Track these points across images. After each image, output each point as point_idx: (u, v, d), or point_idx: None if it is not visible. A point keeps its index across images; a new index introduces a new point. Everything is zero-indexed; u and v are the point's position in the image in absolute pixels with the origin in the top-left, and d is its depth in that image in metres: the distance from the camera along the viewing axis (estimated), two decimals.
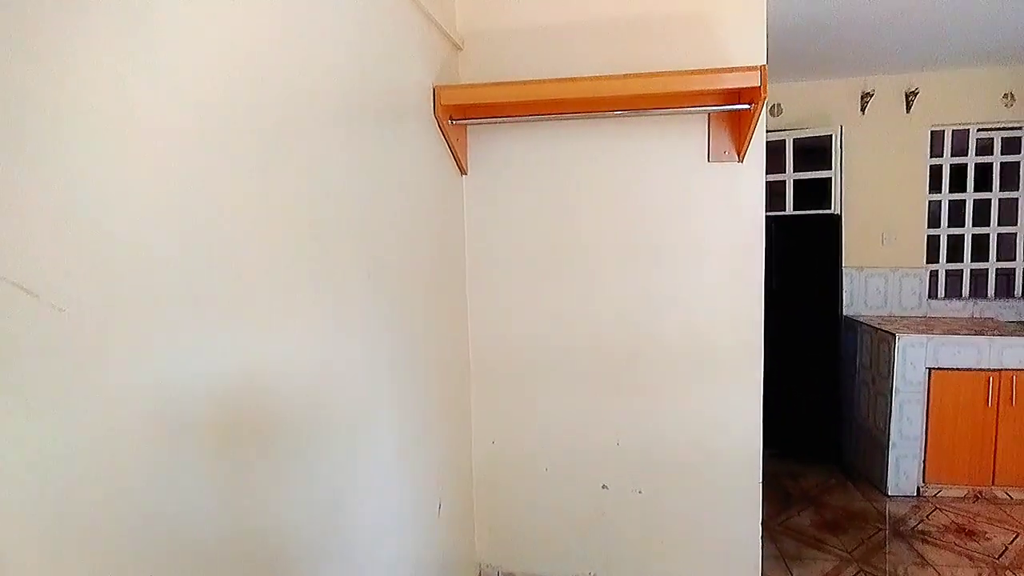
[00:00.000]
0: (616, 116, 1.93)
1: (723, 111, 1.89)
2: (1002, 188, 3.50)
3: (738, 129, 1.91)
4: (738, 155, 1.93)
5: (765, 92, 1.64)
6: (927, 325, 3.18)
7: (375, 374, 1.41)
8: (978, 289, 3.57)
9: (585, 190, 2.03)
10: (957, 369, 2.91)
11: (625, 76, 1.72)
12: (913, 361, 2.93)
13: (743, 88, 1.74)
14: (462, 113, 1.92)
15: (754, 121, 1.76)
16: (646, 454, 2.08)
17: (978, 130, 3.47)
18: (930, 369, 2.93)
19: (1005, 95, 3.38)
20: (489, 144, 2.07)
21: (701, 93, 1.83)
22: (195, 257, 0.85)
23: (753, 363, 2.01)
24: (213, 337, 0.88)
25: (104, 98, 0.71)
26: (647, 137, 1.98)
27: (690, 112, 1.90)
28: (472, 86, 1.78)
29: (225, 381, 0.91)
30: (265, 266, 1.01)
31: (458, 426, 2.06)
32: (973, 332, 2.96)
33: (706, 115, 1.94)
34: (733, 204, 1.96)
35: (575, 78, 1.76)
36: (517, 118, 1.93)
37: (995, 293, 3.54)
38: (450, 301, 1.97)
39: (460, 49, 2.03)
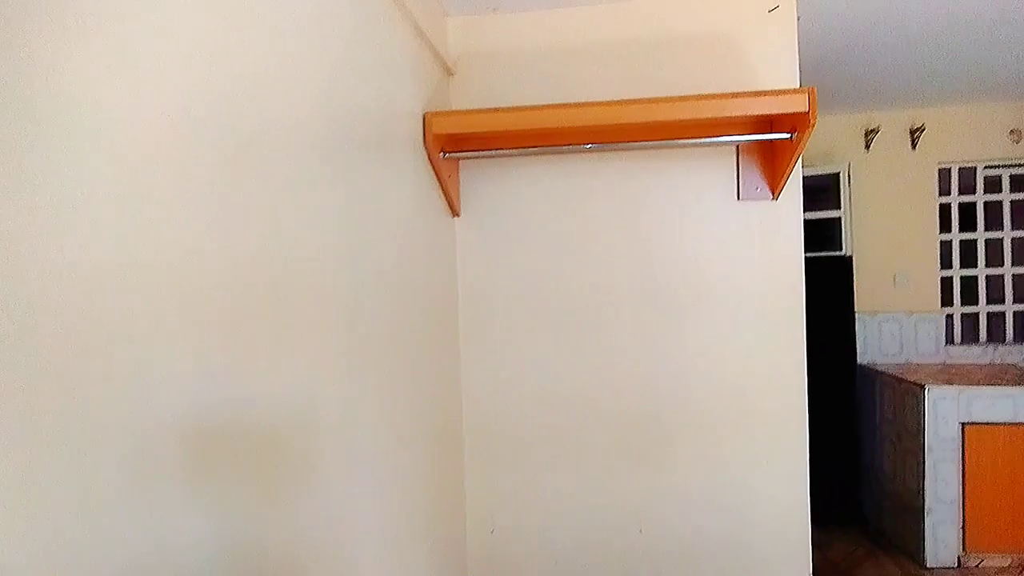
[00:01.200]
0: (632, 149, 1.68)
1: (757, 141, 1.65)
2: (1013, 227, 3.34)
3: (771, 162, 1.67)
4: (772, 192, 1.68)
5: (814, 118, 1.40)
6: (951, 374, 2.94)
7: (351, 448, 1.08)
8: (996, 333, 3.37)
9: (596, 234, 1.76)
10: (992, 424, 2.66)
11: (646, 101, 1.47)
12: (945, 416, 2.68)
13: (781, 115, 1.51)
14: (455, 145, 1.65)
15: (797, 153, 1.52)
16: (674, 542, 1.76)
17: (985, 167, 3.33)
18: (963, 424, 2.68)
19: (1012, 131, 3.25)
20: (485, 182, 1.79)
21: (732, 121, 1.60)
22: (148, 293, 0.55)
23: (797, 430, 1.72)
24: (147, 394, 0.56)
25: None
26: (667, 173, 1.73)
27: (718, 143, 1.66)
28: (467, 113, 1.52)
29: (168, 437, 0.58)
30: (213, 313, 0.70)
31: (451, 513, 1.71)
32: (1006, 382, 2.73)
33: (735, 147, 1.70)
34: (768, 247, 1.70)
35: (585, 104, 1.51)
36: (517, 151, 1.66)
37: (1014, 337, 3.34)
38: (441, 362, 1.66)
39: (452, 74, 1.78)
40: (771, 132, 1.63)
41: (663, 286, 1.74)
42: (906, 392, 2.83)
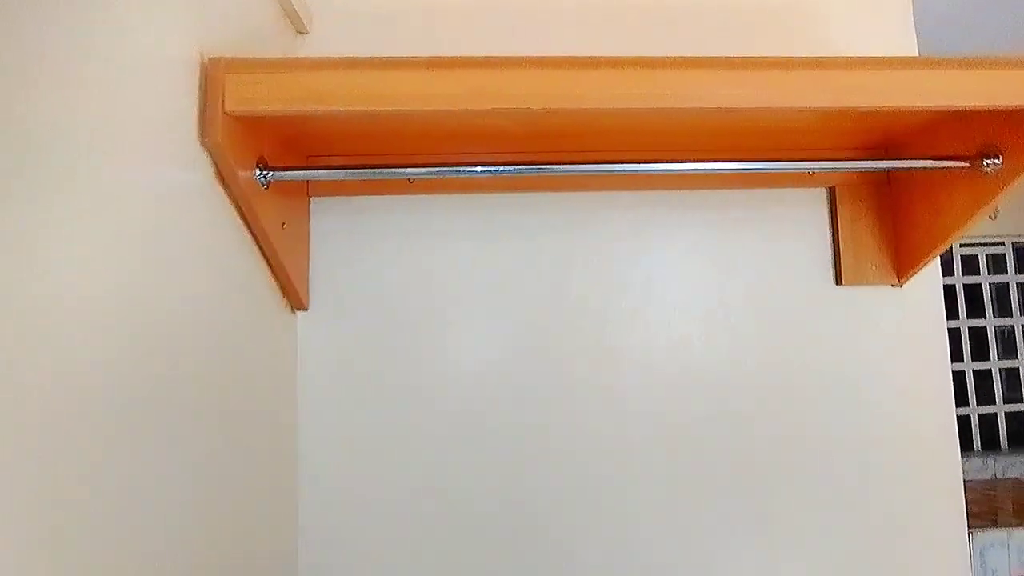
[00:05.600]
0: (645, 172, 0.88)
1: (864, 177, 0.90)
2: (996, 314, 2.90)
3: (896, 220, 0.92)
4: (898, 273, 0.93)
5: None
6: (978, 504, 2.32)
7: None
8: (989, 440, 2.85)
9: (580, 346, 0.91)
10: None
11: (717, 61, 0.67)
12: (995, 568, 2.02)
13: (919, 127, 0.78)
14: (293, 154, 0.76)
15: (992, 201, 0.78)
16: None
17: (961, 245, 2.90)
18: None
19: None
20: (360, 236, 0.90)
21: (825, 139, 0.84)
22: None
23: None
24: None
25: None
26: (708, 230, 0.93)
27: (803, 170, 0.89)
28: (312, 63, 0.62)
29: None
30: None
31: None
32: None
33: (825, 191, 0.94)
34: (896, 374, 0.92)
35: (571, 59, 0.66)
36: (423, 171, 0.79)
37: (1008, 444, 2.84)
38: None
39: (304, 32, 0.91)
40: (885, 157, 0.90)
41: (706, 444, 0.90)
42: None
